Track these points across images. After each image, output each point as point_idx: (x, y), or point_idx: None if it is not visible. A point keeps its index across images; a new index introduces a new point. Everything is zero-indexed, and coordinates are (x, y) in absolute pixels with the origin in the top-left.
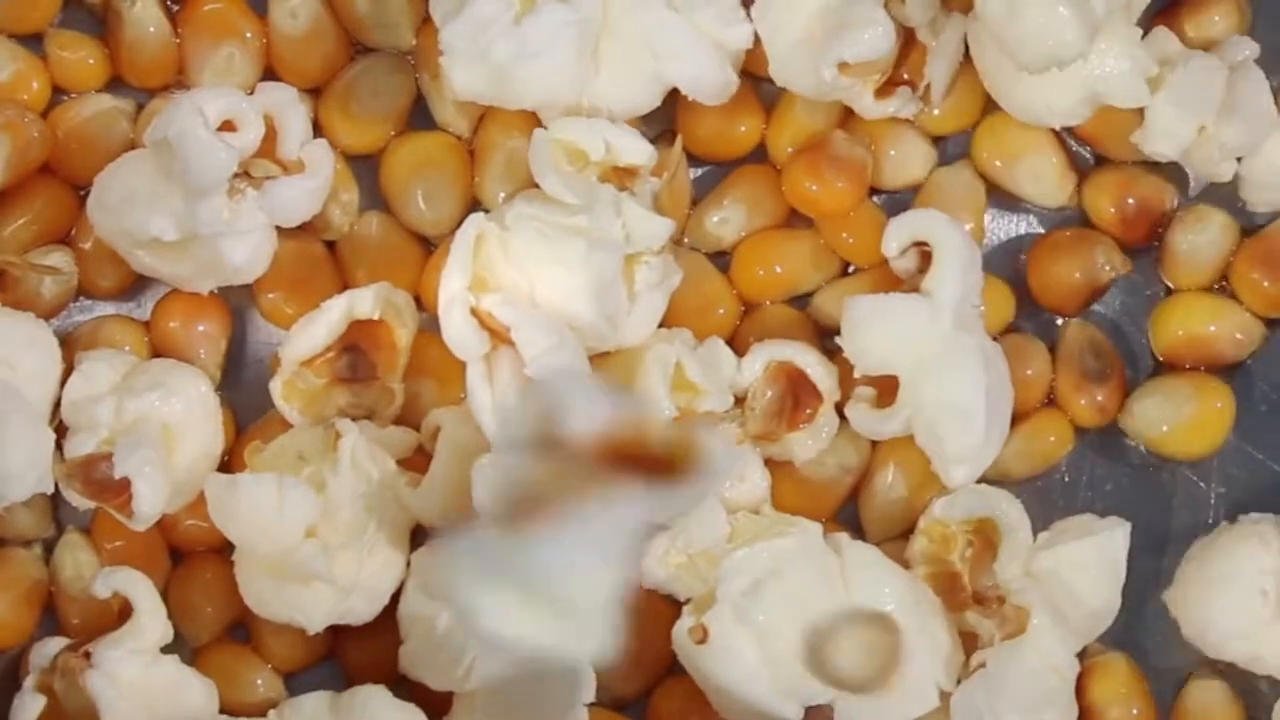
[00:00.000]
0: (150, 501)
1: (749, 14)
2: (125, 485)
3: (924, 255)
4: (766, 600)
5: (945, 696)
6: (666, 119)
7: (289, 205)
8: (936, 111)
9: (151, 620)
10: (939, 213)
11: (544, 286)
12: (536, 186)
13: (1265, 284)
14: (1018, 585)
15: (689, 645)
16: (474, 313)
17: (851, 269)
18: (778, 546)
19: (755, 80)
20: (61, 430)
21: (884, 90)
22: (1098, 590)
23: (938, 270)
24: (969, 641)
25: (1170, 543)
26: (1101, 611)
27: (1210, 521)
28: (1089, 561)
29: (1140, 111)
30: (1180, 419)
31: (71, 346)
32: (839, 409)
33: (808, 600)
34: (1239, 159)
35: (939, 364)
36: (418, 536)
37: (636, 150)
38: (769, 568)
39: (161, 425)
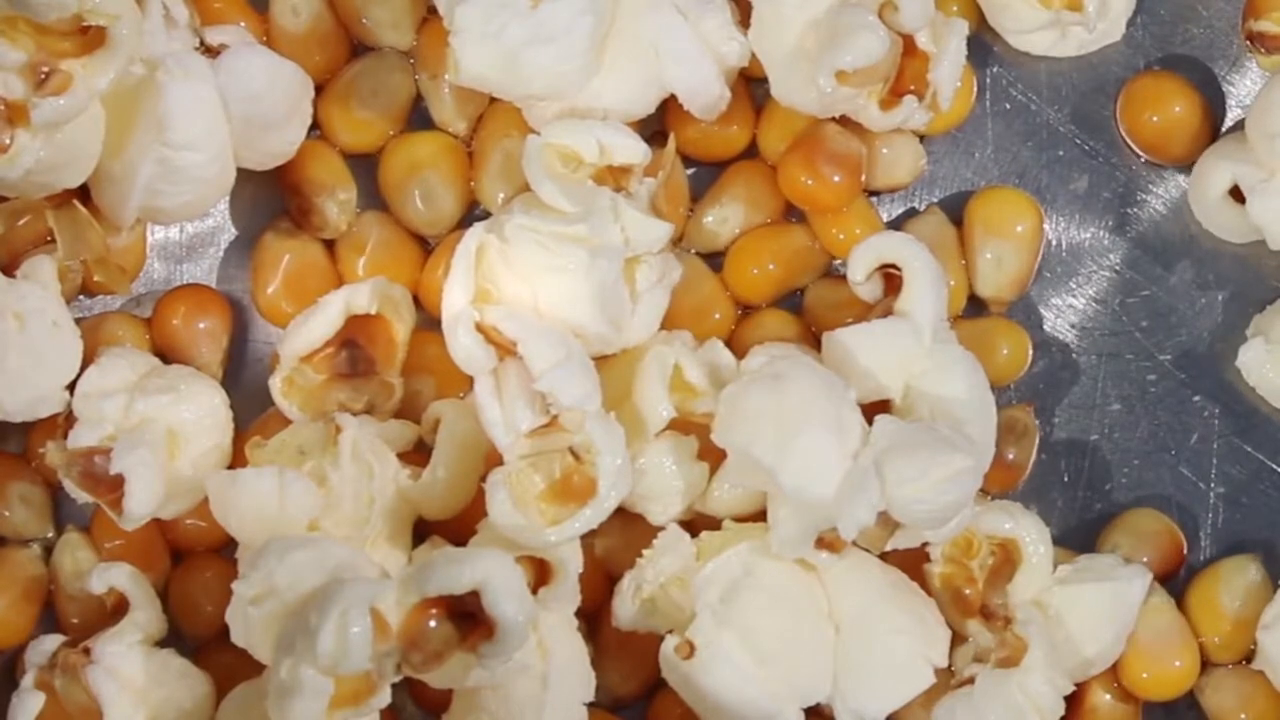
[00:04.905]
0: (140, 501)
1: (745, 33)
2: (119, 482)
3: (888, 278)
4: (745, 601)
5: (939, 672)
6: (658, 120)
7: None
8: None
9: (146, 613)
10: (903, 234)
11: (547, 296)
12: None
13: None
14: (1024, 615)
15: (679, 666)
16: (479, 327)
17: (842, 266)
18: (746, 549)
19: (746, 80)
20: (70, 420)
21: (889, 101)
22: (1102, 635)
23: (913, 290)
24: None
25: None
26: (1099, 658)
27: (1209, 521)
28: (1102, 606)
29: None
30: None
31: None
32: None
33: (785, 594)
34: None
35: (928, 379)
36: (419, 530)
37: (630, 148)
38: (741, 571)
39: (167, 430)
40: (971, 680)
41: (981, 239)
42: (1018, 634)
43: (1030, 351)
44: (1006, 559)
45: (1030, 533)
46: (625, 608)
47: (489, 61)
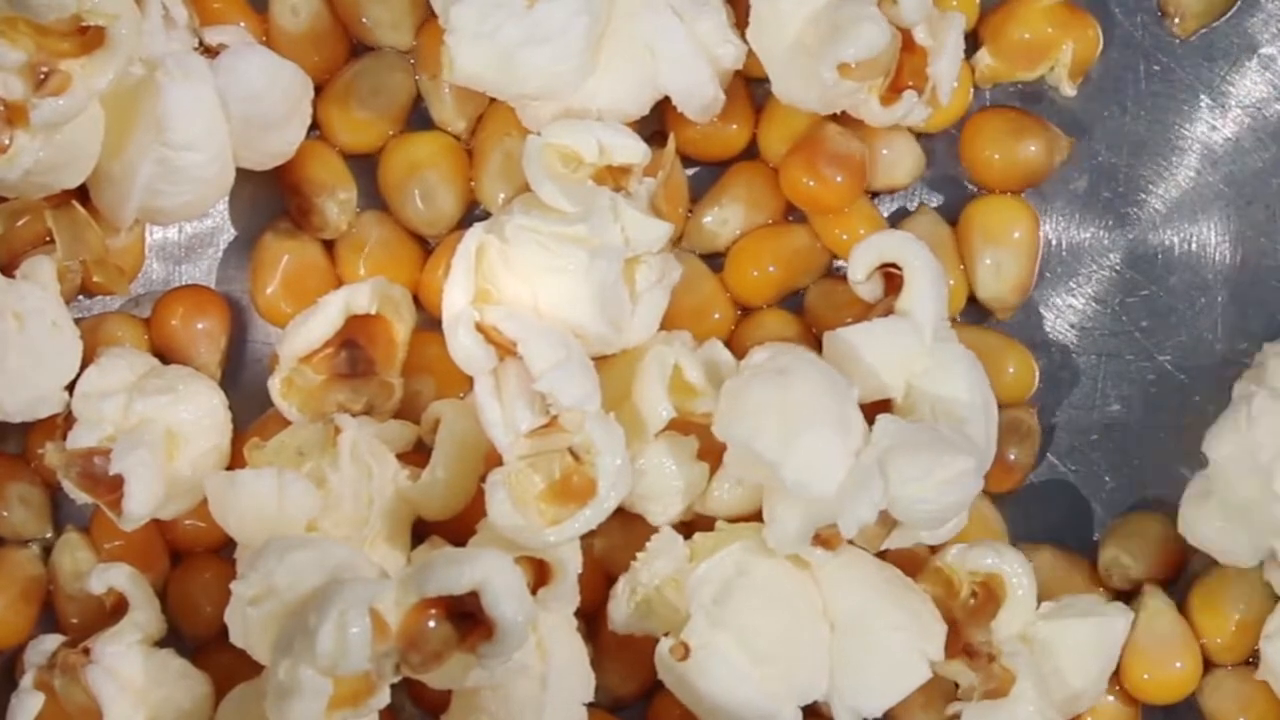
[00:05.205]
0: (139, 501)
1: (743, 35)
2: (118, 482)
3: (888, 277)
4: (739, 601)
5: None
6: (658, 120)
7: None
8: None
9: (145, 613)
10: (904, 233)
11: (547, 296)
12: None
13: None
14: (1010, 648)
15: (675, 668)
16: (479, 327)
17: (842, 266)
18: (739, 549)
19: (746, 80)
20: (70, 420)
21: (889, 97)
22: (1086, 671)
23: (913, 289)
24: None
25: None
26: (1084, 694)
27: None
28: (1085, 641)
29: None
30: None
31: None
32: None
33: (779, 593)
34: None
35: (929, 378)
36: (419, 530)
37: (630, 148)
38: (735, 571)
39: (166, 430)
40: (959, 716)
41: (980, 246)
42: (1004, 665)
43: (1036, 375)
44: (990, 596)
45: (1014, 567)
46: (620, 611)
47: (484, 61)
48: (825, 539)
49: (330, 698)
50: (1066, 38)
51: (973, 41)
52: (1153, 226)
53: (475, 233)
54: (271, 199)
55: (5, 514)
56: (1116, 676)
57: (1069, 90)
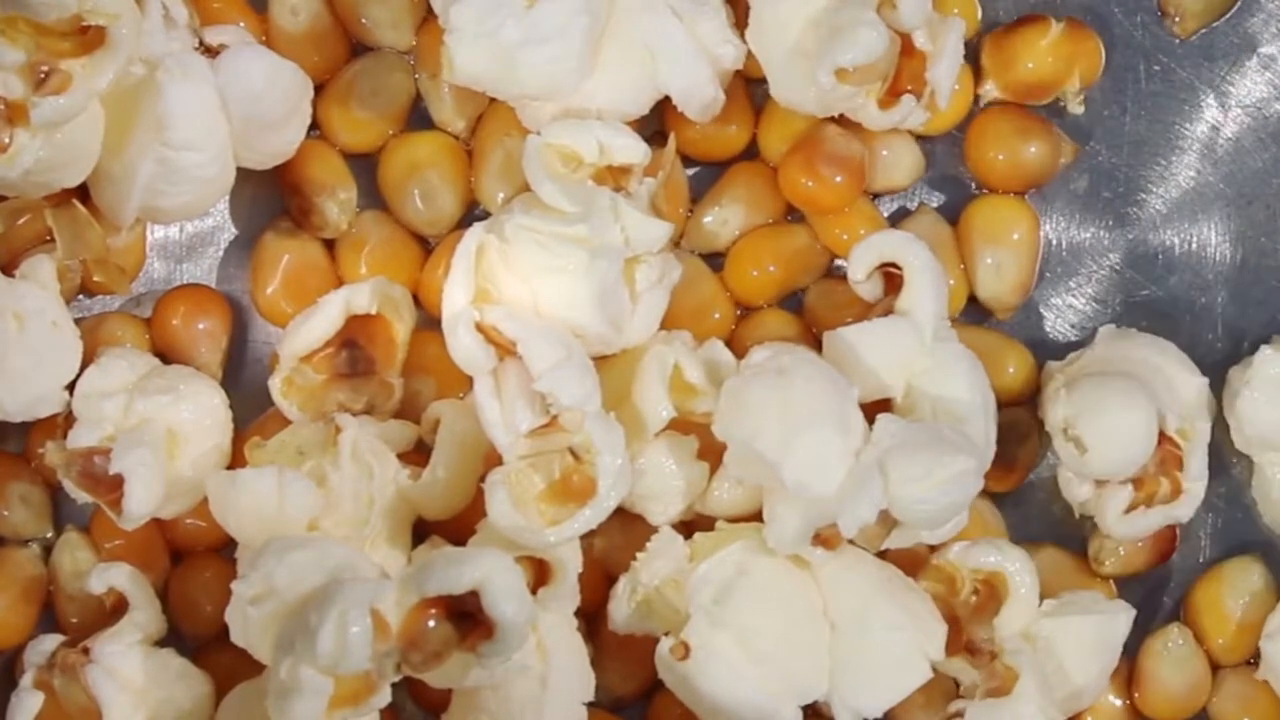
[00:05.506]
0: (140, 500)
1: (742, 36)
2: (119, 482)
3: (888, 277)
4: (739, 601)
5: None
6: (658, 120)
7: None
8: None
9: (145, 613)
10: (905, 233)
11: (547, 296)
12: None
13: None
14: (1013, 646)
15: (675, 667)
16: (479, 327)
17: (842, 266)
18: (739, 549)
19: (745, 80)
20: (70, 420)
21: (887, 101)
22: (1087, 668)
23: (913, 289)
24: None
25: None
26: (1085, 691)
27: (1209, 521)
28: (1087, 638)
29: None
30: None
31: None
32: None
33: (780, 593)
34: None
35: (929, 377)
36: (419, 530)
37: (631, 148)
38: (735, 571)
39: (166, 429)
40: (961, 714)
41: (980, 246)
42: (1007, 664)
43: (1036, 375)
44: (992, 594)
45: (1015, 566)
46: (621, 610)
47: (484, 61)
48: (825, 539)
49: (331, 697)
50: (1073, 67)
51: (972, 47)
52: (1153, 226)
53: (475, 232)
54: (272, 199)
55: (5, 513)
56: (1127, 691)
57: (1076, 108)
